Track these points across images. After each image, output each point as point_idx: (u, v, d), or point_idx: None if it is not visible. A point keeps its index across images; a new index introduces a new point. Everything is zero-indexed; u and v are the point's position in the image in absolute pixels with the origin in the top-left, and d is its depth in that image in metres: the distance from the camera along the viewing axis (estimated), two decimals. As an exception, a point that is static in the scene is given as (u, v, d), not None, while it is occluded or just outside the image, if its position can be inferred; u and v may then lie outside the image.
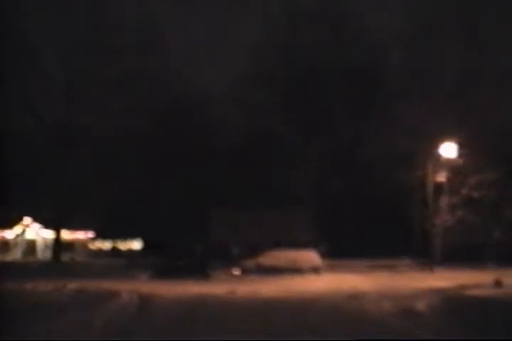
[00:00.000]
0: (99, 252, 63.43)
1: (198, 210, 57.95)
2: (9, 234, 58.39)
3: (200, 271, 37.83)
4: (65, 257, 54.10)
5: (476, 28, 52.94)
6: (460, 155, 49.53)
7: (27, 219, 57.56)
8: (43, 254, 57.32)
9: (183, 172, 61.63)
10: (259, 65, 61.61)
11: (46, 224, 56.12)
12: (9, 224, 57.54)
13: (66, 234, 55.91)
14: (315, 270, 41.21)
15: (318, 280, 35.84)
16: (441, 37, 53.68)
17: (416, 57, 54.66)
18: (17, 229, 58.10)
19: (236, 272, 41.33)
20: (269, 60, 62.45)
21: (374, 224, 56.42)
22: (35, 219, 57.41)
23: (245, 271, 41.01)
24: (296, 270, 40.26)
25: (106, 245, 67.17)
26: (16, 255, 57.51)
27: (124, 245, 67.28)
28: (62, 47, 52.19)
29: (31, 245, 58.62)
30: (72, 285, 27.20)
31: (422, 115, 53.08)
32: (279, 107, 62.85)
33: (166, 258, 41.07)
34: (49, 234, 56.12)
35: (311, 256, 42.48)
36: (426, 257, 47.67)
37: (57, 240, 54.17)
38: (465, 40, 53.48)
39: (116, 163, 53.44)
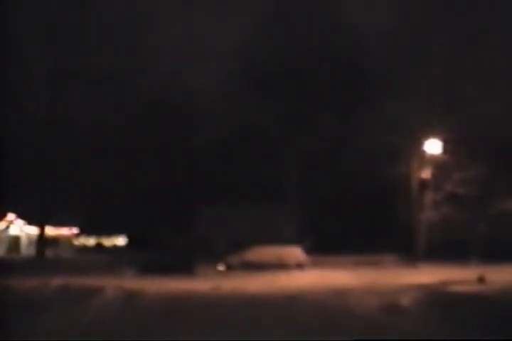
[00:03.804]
0: (84, 248, 63.34)
1: (184, 206, 57.97)
2: (-8, 230, 58.15)
3: (185, 267, 37.81)
4: (50, 253, 53.88)
5: (464, 26, 53.12)
6: (445, 152, 49.84)
7: (11, 216, 57.30)
8: (27, 250, 57.08)
9: (169, 168, 61.59)
10: (247, 63, 61.62)
11: (30, 221, 55.88)
12: (-7, 221, 57.32)
13: (50, 230, 55.70)
14: (300, 266, 41.30)
15: (303, 276, 35.92)
16: (429, 35, 53.85)
17: (403, 54, 54.82)
18: (0, 225, 57.83)
19: (221, 268, 41.35)
20: (258, 57, 62.40)
21: (359, 220, 56.61)
22: (19, 216, 57.17)
23: (230, 267, 41.04)
24: (281, 266, 40.33)
25: (90, 241, 67.09)
26: (-1, 251, 57.32)
27: (108, 241, 67.22)
28: (50, 45, 51.92)
29: (15, 241, 58.37)
30: (57, 281, 27.12)
31: (407, 112, 53.25)
32: (266, 104, 62.84)
33: (151, 255, 41.03)
34: (33, 230, 55.90)
35: (296, 252, 42.57)
36: (410, 253, 47.94)
37: (42, 236, 53.93)
38: (453, 38, 53.66)
39: (102, 159, 53.26)
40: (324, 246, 49.91)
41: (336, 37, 60.31)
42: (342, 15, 60.74)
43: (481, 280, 28.71)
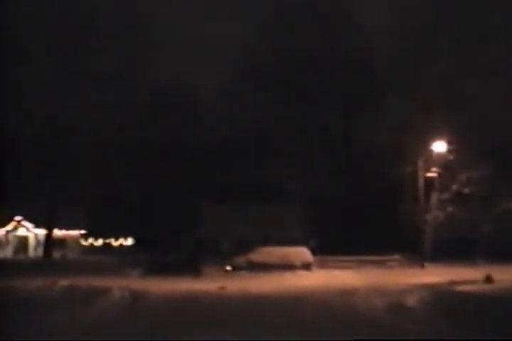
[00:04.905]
0: (91, 249, 63.40)
1: (189, 207, 57.98)
2: (0, 232, 58.22)
3: (191, 267, 37.81)
4: (57, 254, 53.98)
5: (465, 24, 53.10)
6: (450, 151, 49.81)
7: (18, 217, 57.38)
8: (34, 251, 57.21)
9: (173, 168, 61.58)
10: (248, 63, 61.64)
11: (37, 223, 55.92)
12: (1, 222, 57.35)
13: (58, 231, 55.80)
14: (306, 266, 41.29)
15: (309, 276, 35.93)
16: (431, 34, 53.86)
17: (406, 54, 54.84)
18: (8, 227, 57.93)
19: (227, 268, 41.36)
20: (258, 57, 62.46)
21: (364, 220, 56.53)
22: (27, 218, 57.23)
23: (236, 268, 41.06)
24: (287, 266, 40.32)
25: (97, 242, 67.14)
26: (7, 252, 57.37)
27: (115, 242, 67.26)
28: (50, 45, 51.99)
29: (23, 242, 58.49)
30: (64, 282, 27.14)
31: (412, 111, 53.25)
32: (270, 103, 62.87)
33: (157, 255, 41.04)
34: (41, 231, 55.98)
35: (302, 253, 42.54)
36: (416, 253, 47.81)
37: (49, 237, 54.04)
38: (454, 36, 53.66)
39: (107, 160, 53.23)
40: (330, 246, 49.86)
41: (337, 37, 60.30)
42: (343, 15, 60.70)
43: (488, 279, 28.61)
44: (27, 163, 51.81)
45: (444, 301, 21.03)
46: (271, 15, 61.54)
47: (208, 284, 28.47)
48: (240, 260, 42.05)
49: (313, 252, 43.65)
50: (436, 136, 48.80)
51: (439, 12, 53.95)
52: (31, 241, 58.31)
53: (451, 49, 53.37)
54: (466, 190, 52.72)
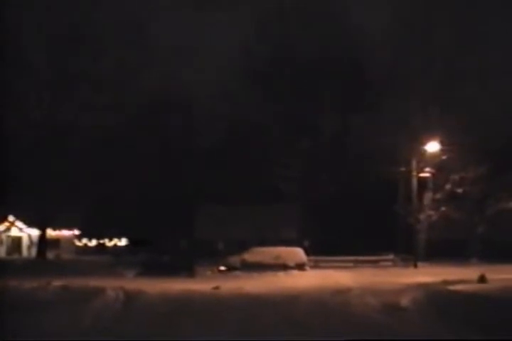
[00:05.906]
0: (85, 249, 63.39)
1: (184, 207, 58.02)
2: (-7, 232, 58.17)
3: (185, 267, 37.86)
4: (51, 254, 53.90)
5: (463, 27, 53.22)
6: (444, 152, 50.00)
7: (12, 217, 57.29)
8: (28, 251, 57.13)
9: (169, 169, 61.60)
10: (247, 63, 61.67)
11: (31, 223, 55.81)
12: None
13: (52, 232, 55.69)
14: (300, 266, 41.36)
15: (303, 276, 35.97)
16: (428, 35, 53.98)
17: (403, 55, 54.96)
18: (1, 227, 57.84)
19: (222, 269, 41.40)
20: (258, 57, 62.51)
21: (358, 220, 56.64)
22: (21, 218, 57.12)
23: (230, 268, 41.11)
24: (281, 266, 40.38)
25: (91, 242, 67.15)
26: (0, 253, 57.29)
27: (109, 242, 67.28)
28: (49, 46, 51.95)
29: (16, 242, 58.41)
30: (58, 282, 27.07)
31: (407, 111, 53.39)
32: (266, 104, 62.90)
33: (151, 255, 41.06)
34: (34, 232, 55.89)
35: (296, 253, 42.62)
36: (410, 253, 48.01)
37: (43, 237, 53.93)
38: (451, 38, 53.80)
39: (102, 161, 53.18)
40: (324, 246, 49.96)
41: (336, 37, 60.37)
42: (342, 15, 60.81)
43: (481, 279, 28.67)
44: (21, 162, 51.67)
45: (438, 300, 21.08)
46: (270, 15, 61.60)
47: (202, 284, 28.47)
48: (234, 260, 42.12)
49: (307, 252, 43.74)
50: (431, 135, 48.98)
51: (438, 12, 54.08)
52: (24, 241, 58.22)
53: (451, 49, 53.50)
54: (460, 190, 52.95)
